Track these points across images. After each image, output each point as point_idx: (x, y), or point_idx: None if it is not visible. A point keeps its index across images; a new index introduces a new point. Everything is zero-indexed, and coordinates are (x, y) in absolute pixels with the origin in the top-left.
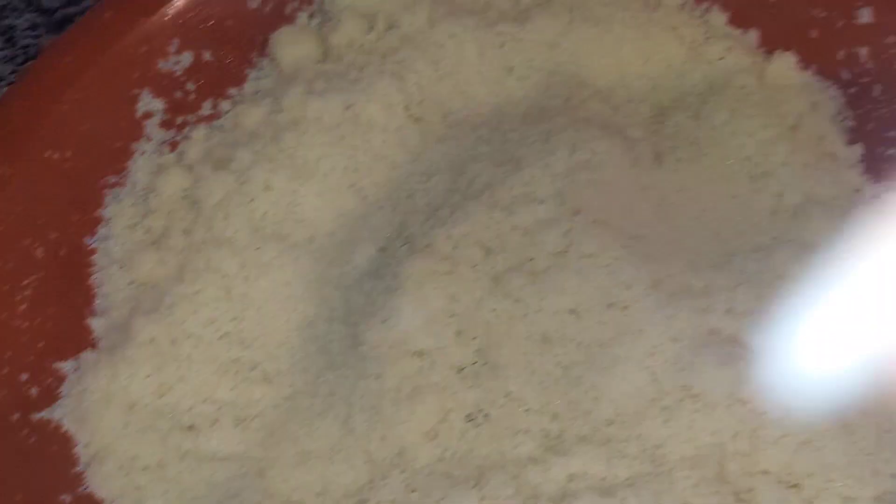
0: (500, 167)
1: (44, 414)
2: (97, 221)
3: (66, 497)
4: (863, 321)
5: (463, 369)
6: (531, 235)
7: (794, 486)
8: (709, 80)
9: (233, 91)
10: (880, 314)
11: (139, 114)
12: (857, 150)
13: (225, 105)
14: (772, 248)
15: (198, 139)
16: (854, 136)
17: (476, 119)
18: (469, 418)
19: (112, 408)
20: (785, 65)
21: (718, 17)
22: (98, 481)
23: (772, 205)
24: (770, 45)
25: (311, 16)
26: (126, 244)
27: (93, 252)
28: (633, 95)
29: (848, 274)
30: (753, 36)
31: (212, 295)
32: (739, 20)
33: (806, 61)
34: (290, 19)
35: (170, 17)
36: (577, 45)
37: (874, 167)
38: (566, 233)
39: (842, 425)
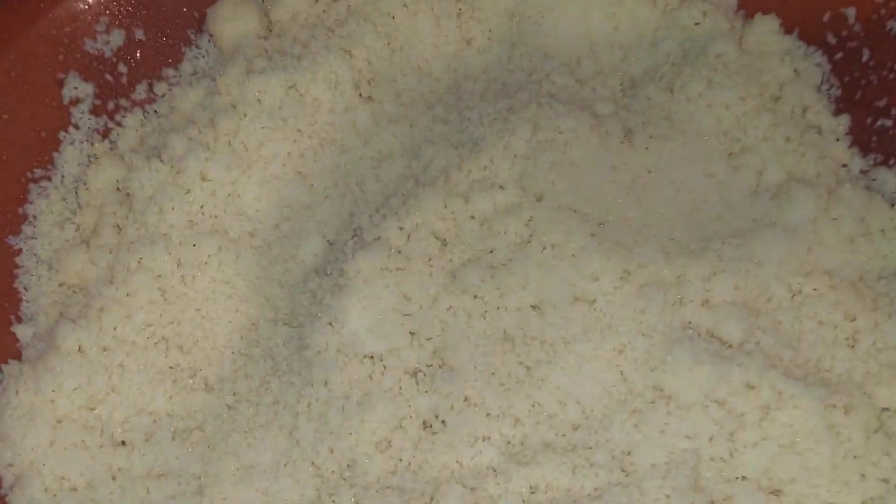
0: (458, 149)
1: None
2: (22, 219)
3: None
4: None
5: (417, 373)
6: (490, 225)
7: (776, 492)
8: (684, 49)
9: (169, 72)
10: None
11: (66, 99)
12: (844, 121)
13: (160, 87)
14: (751, 233)
15: (131, 126)
16: (841, 106)
17: (432, 97)
18: (424, 426)
19: (37, 424)
20: (766, 29)
21: None
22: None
23: (752, 184)
24: (750, 8)
25: None
26: (54, 243)
27: (18, 252)
28: (602, 67)
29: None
30: None
31: (146, 297)
32: None
33: (788, 25)
34: None
35: None
36: (540, 12)
37: (862, 139)
38: (528, 221)
39: (827, 426)
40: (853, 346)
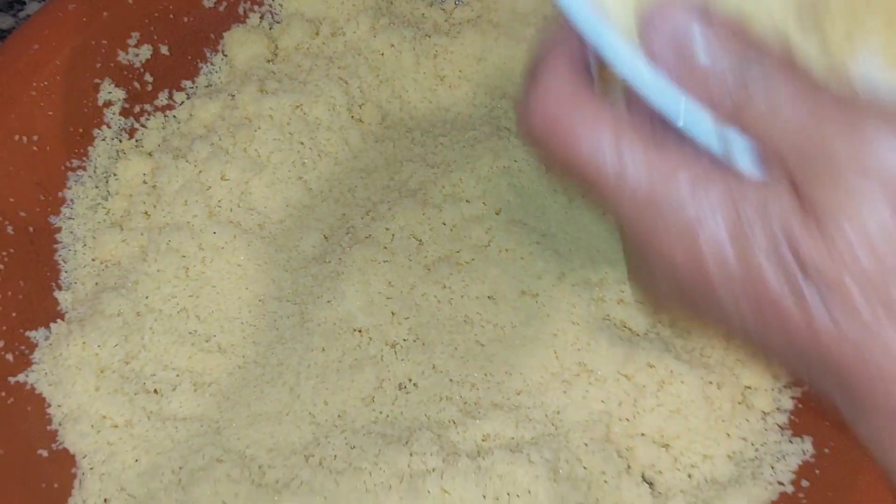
0: (433, 168)
1: (19, 378)
2: (61, 202)
3: (43, 452)
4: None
5: (396, 345)
6: (458, 230)
7: (665, 445)
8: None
9: (187, 83)
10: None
11: (100, 102)
12: None
13: (179, 97)
14: None
15: (154, 128)
16: None
17: (410, 122)
18: (400, 387)
19: (84, 373)
20: None
21: None
22: (72, 438)
23: None
24: None
25: (262, 17)
26: (88, 224)
27: (58, 230)
28: None
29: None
30: None
31: (172, 273)
32: None
33: None
34: (242, 19)
35: (131, 11)
36: (501, 59)
37: None
38: (488, 229)
39: (704, 397)
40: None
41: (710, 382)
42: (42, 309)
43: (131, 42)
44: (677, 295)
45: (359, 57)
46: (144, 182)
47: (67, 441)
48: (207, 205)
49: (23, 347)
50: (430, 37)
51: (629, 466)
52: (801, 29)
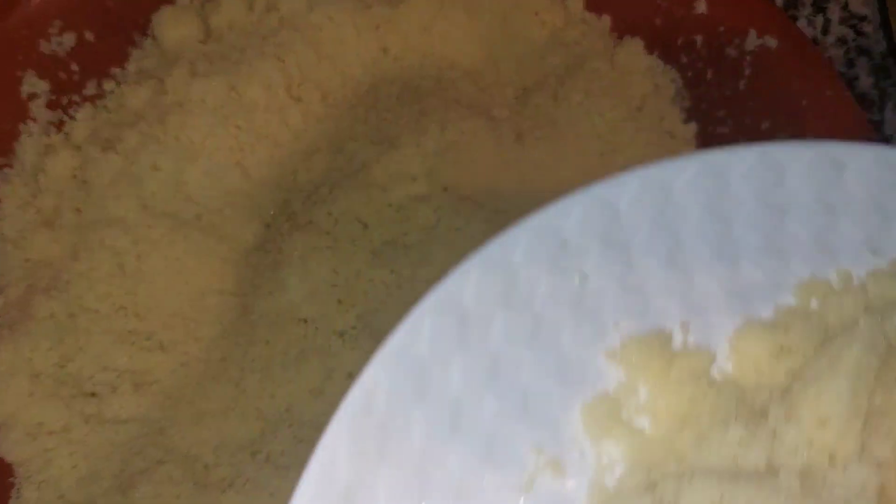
0: (376, 146)
1: None
2: None
3: None
4: None
5: (344, 334)
6: (405, 211)
7: None
8: (566, 63)
9: (116, 70)
10: None
11: (24, 95)
12: (692, 127)
13: (108, 85)
14: None
15: (83, 119)
16: (689, 115)
17: (353, 99)
18: (350, 377)
19: (16, 379)
20: (633, 49)
21: (576, 3)
22: (7, 447)
23: None
24: (620, 31)
25: None
26: (18, 224)
27: None
28: (499, 77)
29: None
30: (607, 21)
31: (106, 271)
32: (594, 6)
33: (651, 46)
34: None
35: None
36: (447, 28)
37: (705, 143)
38: (436, 209)
39: None
40: None
41: None
42: None
43: (53, 30)
44: None
45: (295, 33)
46: (74, 177)
47: (2, 450)
48: (140, 197)
49: None
50: (371, 8)
51: None
52: None
